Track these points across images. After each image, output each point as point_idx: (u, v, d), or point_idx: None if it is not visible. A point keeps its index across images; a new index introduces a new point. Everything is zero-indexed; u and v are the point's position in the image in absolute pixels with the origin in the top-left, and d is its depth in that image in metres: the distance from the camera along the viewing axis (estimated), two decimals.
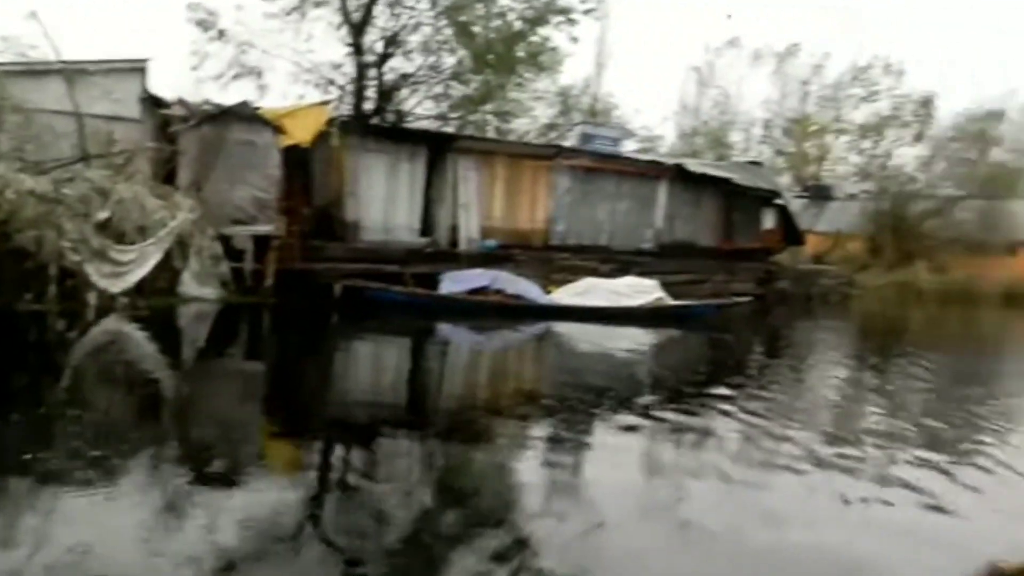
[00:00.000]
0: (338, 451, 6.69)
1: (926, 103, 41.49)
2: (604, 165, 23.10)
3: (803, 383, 11.96)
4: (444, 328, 14.93)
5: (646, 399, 9.63)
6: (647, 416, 8.36)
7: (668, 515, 5.38)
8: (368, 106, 23.35)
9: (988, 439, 7.96)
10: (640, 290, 16.94)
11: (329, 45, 23.54)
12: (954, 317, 27.11)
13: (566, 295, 16.80)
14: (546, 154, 22.37)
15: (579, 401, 9.18)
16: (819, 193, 42.03)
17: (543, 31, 23.59)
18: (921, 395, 11.14)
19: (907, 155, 41.10)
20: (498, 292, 16.08)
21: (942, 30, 69.93)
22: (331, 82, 23.57)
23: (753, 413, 8.49)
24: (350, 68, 23.31)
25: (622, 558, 4.47)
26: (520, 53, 23.87)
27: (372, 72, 23.35)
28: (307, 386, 9.53)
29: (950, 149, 38.91)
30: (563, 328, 15.38)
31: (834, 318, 23.71)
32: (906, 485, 6.07)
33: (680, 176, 24.57)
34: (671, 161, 26.20)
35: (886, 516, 5.39)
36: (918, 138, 41.28)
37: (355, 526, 4.86)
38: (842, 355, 16.02)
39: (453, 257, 18.36)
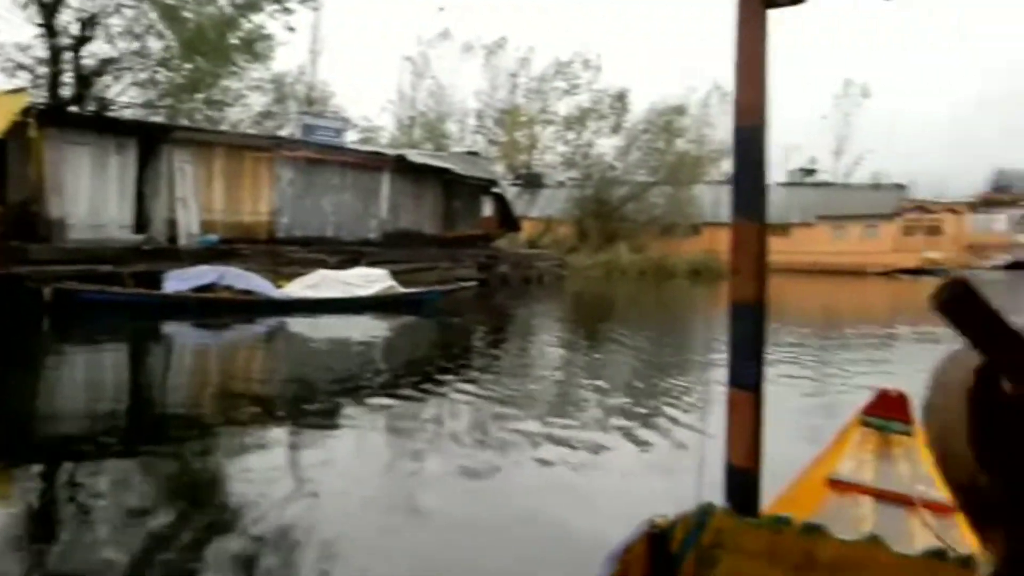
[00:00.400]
0: (47, 472, 6.03)
1: (620, 97, 45.28)
2: (327, 156, 23.11)
3: (523, 361, 12.83)
4: (171, 328, 14.32)
5: (378, 386, 9.82)
6: (377, 404, 8.55)
7: (387, 495, 5.57)
8: (66, 93, 21.55)
9: (670, 402, 8.86)
10: (371, 280, 17.30)
11: (16, 25, 21.36)
12: (651, 291, 30.12)
13: (298, 288, 16.74)
14: (267, 145, 21.98)
15: (311, 393, 9.23)
16: (531, 181, 44.61)
17: (257, 18, 23.08)
18: (618, 367, 12.25)
19: (606, 145, 44.79)
20: (227, 288, 15.66)
21: (631, 30, 76.47)
22: (20, 66, 21.50)
23: (476, 395, 8.96)
24: (42, 51, 21.39)
25: (336, 536, 4.66)
26: (233, 40, 23.16)
27: (68, 56, 21.58)
28: (7, 404, 8.62)
29: (642, 140, 42.92)
30: (297, 321, 15.33)
31: (550, 298, 25.48)
32: (600, 449, 6.72)
33: (402, 167, 25.16)
34: (393, 152, 26.76)
35: (575, 479, 5.90)
36: (615, 129, 44.98)
37: (67, 550, 4.52)
38: (557, 332, 17.35)
39: (174, 254, 17.56)
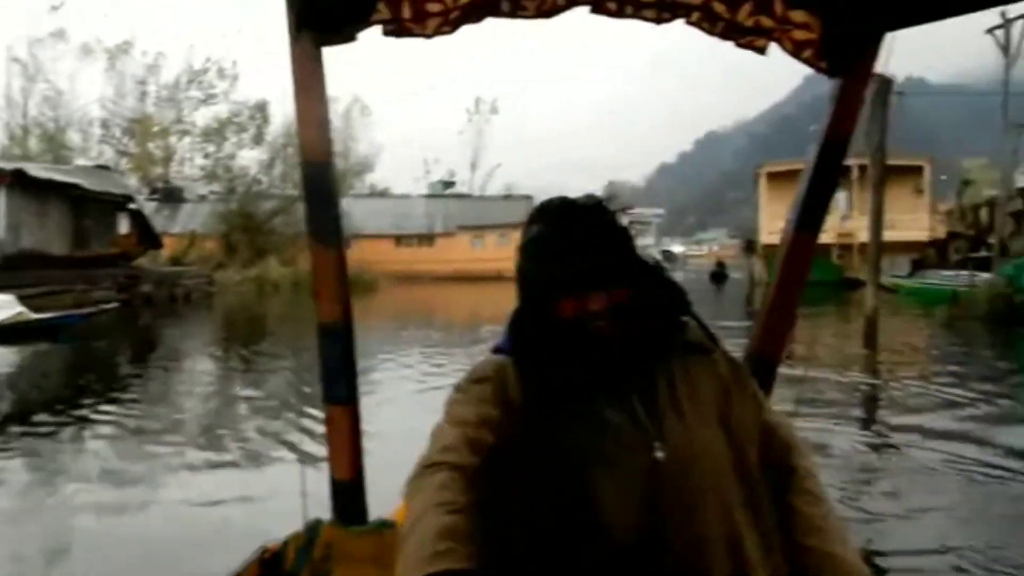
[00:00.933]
0: None
1: (261, 108, 44.69)
2: None
3: (166, 387, 11.95)
4: None
5: (6, 424, 8.83)
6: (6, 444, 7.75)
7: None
8: None
9: (313, 420, 8.48)
10: None
11: None
12: (303, 305, 30.03)
13: None
14: None
15: None
16: (170, 195, 42.50)
17: None
18: (264, 386, 11.56)
19: (249, 157, 43.92)
20: None
21: (267, 38, 75.33)
22: None
23: (115, 423, 8.53)
24: None
25: None
26: None
27: None
28: None
29: (286, 153, 42.67)
30: None
31: (198, 317, 24.54)
32: (236, 473, 6.59)
33: (21, 182, 22.93)
34: (9, 166, 24.21)
35: (210, 509, 5.65)
36: (257, 141, 44.29)
37: None
38: (203, 354, 16.43)
39: None
